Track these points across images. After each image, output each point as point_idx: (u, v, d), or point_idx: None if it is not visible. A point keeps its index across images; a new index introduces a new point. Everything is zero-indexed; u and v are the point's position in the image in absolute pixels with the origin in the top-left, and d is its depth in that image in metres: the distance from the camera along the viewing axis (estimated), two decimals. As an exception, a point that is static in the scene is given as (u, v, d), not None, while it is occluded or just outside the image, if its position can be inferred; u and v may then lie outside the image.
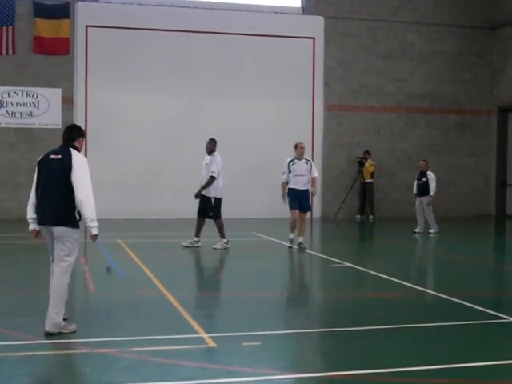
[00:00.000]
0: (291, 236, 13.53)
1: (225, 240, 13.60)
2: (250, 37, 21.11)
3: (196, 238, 13.77)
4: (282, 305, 8.94)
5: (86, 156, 7.31)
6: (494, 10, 23.15)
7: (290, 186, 13.51)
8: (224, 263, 12.76)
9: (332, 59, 21.88)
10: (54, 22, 19.73)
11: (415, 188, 17.61)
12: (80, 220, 7.03)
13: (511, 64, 22.59)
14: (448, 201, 22.58)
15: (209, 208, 13.54)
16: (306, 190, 13.66)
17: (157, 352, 6.24)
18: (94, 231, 6.92)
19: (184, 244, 13.76)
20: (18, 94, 19.70)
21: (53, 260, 7.04)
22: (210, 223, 13.77)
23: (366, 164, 21.50)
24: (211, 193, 13.52)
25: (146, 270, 10.91)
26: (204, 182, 13.59)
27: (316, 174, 13.94)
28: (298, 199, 13.48)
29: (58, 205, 6.86)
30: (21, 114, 19.75)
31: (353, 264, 11.87)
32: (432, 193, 17.20)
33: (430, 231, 17.15)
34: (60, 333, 6.73)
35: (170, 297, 8.76)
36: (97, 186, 7.06)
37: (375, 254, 14.79)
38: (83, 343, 6.60)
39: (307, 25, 21.69)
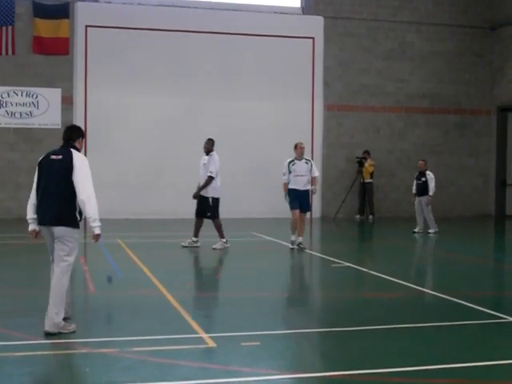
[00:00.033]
0: (293, 238, 13.46)
1: (224, 240, 13.60)
2: (249, 37, 21.12)
3: (195, 239, 13.77)
4: (281, 305, 8.95)
5: (85, 156, 7.32)
6: (494, 10, 23.16)
7: (291, 186, 13.51)
8: (223, 263, 12.76)
9: (332, 59, 21.89)
10: (53, 22, 19.74)
11: (414, 188, 17.63)
12: (81, 220, 7.06)
13: (511, 64, 22.59)
14: (448, 201, 22.59)
15: (207, 208, 13.54)
16: (307, 191, 13.66)
17: (156, 352, 6.25)
18: (97, 231, 6.95)
19: (183, 244, 13.76)
20: (17, 94, 19.71)
21: (53, 260, 7.06)
22: (208, 223, 13.78)
23: (366, 164, 21.51)
24: (209, 193, 13.52)
25: (145, 270, 10.91)
26: (202, 181, 13.60)
27: (317, 173, 13.93)
28: (299, 199, 13.49)
29: (59, 205, 6.87)
30: (20, 114, 19.76)
31: (352, 264, 11.87)
32: (431, 192, 17.21)
33: (430, 231, 17.16)
34: (60, 333, 6.73)
35: (170, 297, 8.76)
36: (97, 186, 7.06)
37: (375, 253, 14.79)
38: (83, 343, 6.60)
39: (307, 25, 21.70)
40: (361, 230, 19.81)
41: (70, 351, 6.44)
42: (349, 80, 22.07)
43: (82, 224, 7.14)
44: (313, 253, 13.53)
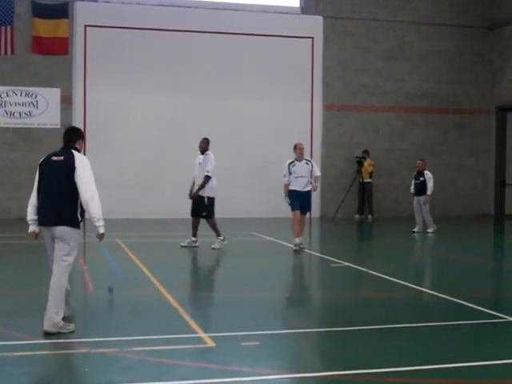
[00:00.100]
0: (297, 240, 13.26)
1: (221, 237, 13.61)
2: (249, 36, 21.12)
3: (194, 238, 13.77)
4: (280, 304, 8.94)
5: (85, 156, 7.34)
6: (494, 10, 23.16)
7: (291, 187, 13.44)
8: (223, 263, 12.76)
9: (331, 59, 21.89)
10: (52, 21, 19.73)
11: (412, 188, 17.64)
12: (81, 221, 7.10)
13: (511, 64, 22.59)
14: (447, 200, 22.60)
15: (202, 207, 13.53)
16: (307, 192, 13.56)
17: (156, 352, 6.25)
18: (101, 230, 7.01)
19: (182, 244, 13.76)
20: (16, 94, 19.71)
21: (51, 261, 7.06)
22: (205, 223, 13.77)
23: (365, 164, 21.51)
24: (205, 192, 13.51)
25: (145, 269, 10.91)
26: (198, 180, 13.60)
27: (318, 173, 13.80)
28: (299, 200, 13.42)
29: (61, 205, 6.90)
30: (20, 113, 19.75)
31: (352, 264, 11.87)
32: (429, 192, 17.21)
33: (428, 231, 17.16)
34: (59, 332, 6.74)
35: (169, 297, 8.76)
36: (96, 186, 7.08)
37: (374, 253, 14.79)
38: (82, 343, 6.60)
39: (306, 24, 21.69)
40: (360, 230, 19.82)
41: (69, 351, 6.44)
42: (348, 80, 22.07)
43: (81, 224, 7.15)
44: (312, 252, 13.53)
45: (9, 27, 19.46)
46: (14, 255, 12.67)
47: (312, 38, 21.64)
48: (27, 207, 7.18)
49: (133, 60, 20.29)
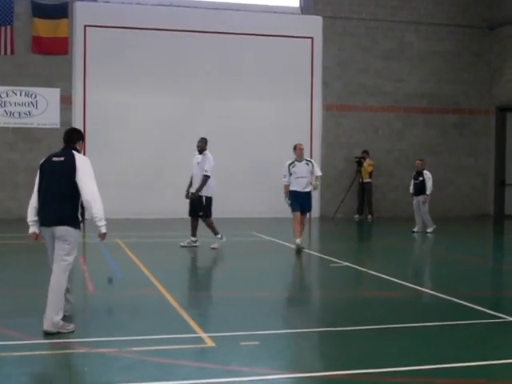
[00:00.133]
0: (298, 241, 13.17)
1: (219, 236, 13.62)
2: (248, 36, 21.12)
3: (193, 238, 13.78)
4: (280, 304, 8.94)
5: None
6: (493, 10, 23.16)
7: (291, 188, 13.38)
8: (223, 263, 12.75)
9: (330, 59, 21.89)
10: (52, 21, 19.73)
11: (412, 188, 17.65)
12: (82, 222, 7.13)
13: (510, 64, 22.60)
14: (447, 200, 22.60)
15: (199, 207, 13.54)
16: (308, 192, 13.49)
17: (155, 352, 6.25)
18: (103, 230, 7.07)
19: (182, 244, 13.77)
20: (16, 94, 19.71)
21: (52, 261, 7.08)
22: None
23: (365, 164, 21.52)
24: (203, 192, 13.53)
25: (144, 269, 10.91)
26: (196, 180, 13.61)
27: (319, 173, 13.70)
28: (299, 201, 13.36)
29: (61, 205, 6.93)
30: (19, 113, 19.75)
31: (351, 264, 11.87)
32: (428, 192, 17.22)
33: (428, 230, 17.17)
34: (58, 332, 6.74)
35: (169, 296, 8.77)
36: (96, 185, 7.11)
37: (374, 253, 14.79)
38: (82, 343, 6.60)
39: (306, 24, 21.70)
40: (360, 230, 19.82)
41: (68, 351, 6.44)
42: (347, 80, 22.08)
43: (81, 224, 7.17)
44: (312, 252, 13.53)
45: (8, 27, 19.46)
46: (14, 255, 12.67)
47: (311, 38, 21.64)
48: (27, 208, 7.20)
49: (133, 60, 20.29)
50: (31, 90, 19.77)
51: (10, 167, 19.76)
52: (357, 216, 21.66)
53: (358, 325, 7.34)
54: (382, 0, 22.34)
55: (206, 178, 13.45)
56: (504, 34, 22.79)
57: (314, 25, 21.67)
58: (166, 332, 7.00)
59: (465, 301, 8.58)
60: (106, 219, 7.17)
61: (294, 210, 13.40)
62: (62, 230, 6.91)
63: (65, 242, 6.93)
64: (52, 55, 19.84)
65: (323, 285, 10.76)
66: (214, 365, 5.93)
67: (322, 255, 13.21)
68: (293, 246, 13.50)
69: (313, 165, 13.60)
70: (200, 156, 13.71)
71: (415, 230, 17.32)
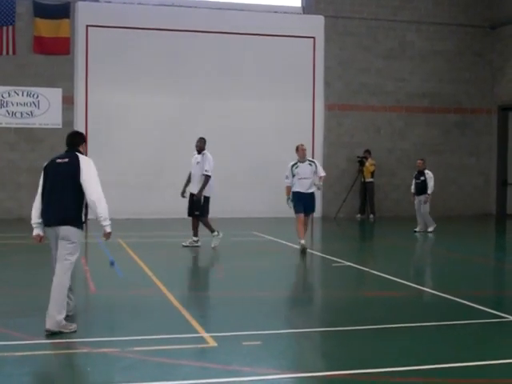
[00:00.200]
0: (302, 241, 13.02)
1: (215, 233, 13.62)
2: (249, 36, 21.12)
3: (195, 238, 13.78)
4: (282, 304, 8.93)
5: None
6: (494, 9, 23.15)
7: (295, 189, 13.23)
8: (224, 263, 12.74)
9: (332, 58, 21.88)
10: (54, 21, 19.74)
11: (413, 187, 17.64)
12: (85, 222, 7.20)
13: (511, 63, 22.57)
14: (449, 200, 22.59)
15: (197, 206, 13.55)
16: (311, 193, 13.34)
17: (157, 351, 6.25)
18: (108, 229, 7.15)
19: (183, 244, 13.77)
20: (18, 94, 19.71)
21: (55, 260, 7.11)
22: (211, 223, 13.78)
23: (367, 163, 21.51)
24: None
25: (146, 269, 10.91)
26: (195, 180, 13.62)
27: (323, 173, 13.55)
28: (302, 202, 13.21)
29: (65, 205, 7.00)
30: (21, 113, 19.76)
31: (353, 263, 11.87)
32: (430, 191, 17.21)
33: (428, 230, 17.15)
34: (60, 332, 6.74)
35: (171, 296, 8.76)
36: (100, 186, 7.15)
37: (376, 253, 14.78)
38: (84, 343, 6.60)
39: (307, 24, 21.69)
40: (361, 230, 19.81)
41: (70, 351, 6.44)
42: (349, 79, 22.07)
43: (83, 225, 7.20)
44: (314, 252, 13.51)
45: (10, 27, 19.47)
46: (14, 255, 12.67)
47: (313, 37, 21.64)
48: (28, 208, 7.25)
49: (134, 60, 20.29)
50: (33, 90, 19.77)
51: (10, 167, 19.76)
52: (359, 216, 21.65)
53: (360, 325, 7.33)
54: (384, 0, 22.33)
55: (207, 178, 13.46)
56: (505, 33, 22.76)
57: (316, 24, 21.66)
58: (167, 332, 7.00)
59: (466, 300, 8.57)
60: (107, 219, 7.19)
61: (297, 212, 13.22)
62: (65, 230, 6.97)
63: (68, 242, 6.99)
64: (54, 55, 19.84)
65: (325, 284, 10.75)
66: (215, 365, 5.93)
67: (323, 255, 13.20)
68: (294, 246, 13.50)
69: (316, 165, 13.47)
70: (199, 156, 13.71)
71: (417, 229, 17.30)
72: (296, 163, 13.37)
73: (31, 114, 19.79)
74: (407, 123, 22.67)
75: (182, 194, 14.00)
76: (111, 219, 7.18)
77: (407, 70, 22.58)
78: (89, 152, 18.18)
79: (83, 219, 7.14)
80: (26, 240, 11.54)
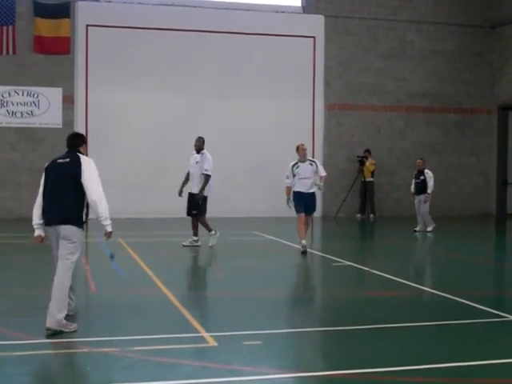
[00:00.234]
0: (303, 242, 12.94)
1: (213, 232, 13.65)
2: (250, 36, 21.11)
3: (195, 238, 13.78)
4: (282, 304, 8.93)
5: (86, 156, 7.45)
6: (494, 9, 23.14)
7: (295, 189, 13.13)
8: (224, 262, 12.73)
9: (332, 58, 21.88)
10: (54, 21, 19.74)
11: (413, 187, 17.64)
12: (85, 222, 7.22)
13: (511, 63, 22.57)
14: (449, 200, 22.59)
15: (195, 205, 13.56)
16: (312, 193, 13.26)
17: (157, 351, 6.25)
18: (109, 228, 7.18)
19: (184, 244, 13.78)
20: (18, 94, 19.71)
21: (56, 259, 7.12)
22: (209, 222, 13.77)
23: (367, 163, 21.51)
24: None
25: (146, 269, 10.91)
26: (194, 179, 13.64)
27: (324, 173, 13.48)
28: (303, 202, 13.12)
29: (67, 205, 7.02)
30: (21, 113, 19.76)
31: (353, 263, 11.87)
32: (429, 190, 17.21)
33: (428, 229, 17.16)
34: (61, 332, 6.73)
35: (171, 296, 8.76)
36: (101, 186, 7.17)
37: (376, 252, 14.78)
38: (84, 342, 6.60)
39: (307, 24, 21.69)
40: (362, 229, 19.81)
41: (70, 350, 6.44)
42: (349, 79, 22.07)
43: (84, 225, 7.21)
44: (314, 252, 13.51)
45: (10, 27, 19.47)
46: (15, 255, 12.66)
47: (313, 37, 21.63)
48: (28, 207, 7.26)
49: (134, 60, 20.30)
50: (33, 89, 19.77)
51: (10, 167, 19.75)
52: (359, 215, 21.65)
53: (360, 324, 7.33)
54: (384, -1, 22.37)
55: (207, 178, 13.47)
56: (505, 33, 22.76)
57: (316, 24, 21.65)
58: (167, 331, 7.00)
59: (467, 300, 8.57)
60: (108, 218, 7.20)
61: (298, 211, 13.13)
62: (66, 230, 6.98)
63: (69, 242, 7.01)
64: (54, 55, 19.84)
65: (325, 284, 10.75)
66: (215, 364, 5.93)
67: (324, 254, 13.20)
68: (295, 245, 13.49)
69: (317, 165, 13.38)
70: (198, 155, 13.72)
71: (417, 229, 17.30)
72: (297, 163, 13.28)
73: (31, 113, 19.79)
74: (407, 123, 22.66)
75: (180, 193, 14.01)
76: (112, 219, 7.19)
77: (407, 69, 22.58)
78: (89, 152, 18.10)
79: (84, 219, 7.16)
80: (27, 240, 11.54)
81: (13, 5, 19.50)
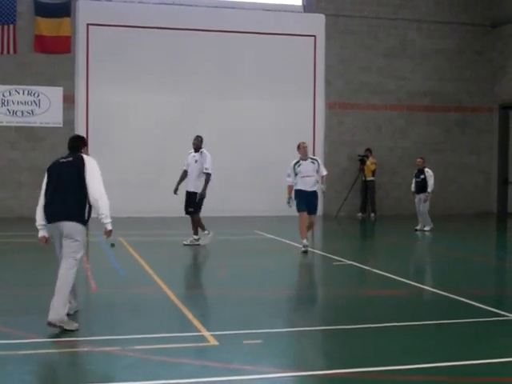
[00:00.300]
0: (304, 241, 12.89)
1: (206, 231, 13.67)
2: (250, 35, 21.11)
3: (196, 237, 13.79)
4: (283, 303, 8.92)
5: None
6: (495, 8, 23.14)
7: (297, 187, 13.02)
8: (225, 261, 12.72)
9: (333, 57, 21.87)
10: (55, 20, 19.74)
11: (413, 186, 17.64)
12: (88, 220, 7.22)
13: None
14: (449, 198, 22.59)
15: (192, 203, 13.56)
16: (314, 192, 13.17)
17: (158, 350, 6.25)
18: (109, 227, 7.20)
19: (184, 242, 13.78)
20: (19, 93, 19.72)
21: (60, 257, 7.14)
22: (210, 221, 13.78)
23: (368, 162, 21.51)
24: (199, 188, 13.56)
25: (147, 267, 10.92)
26: (193, 178, 13.64)
27: (325, 172, 13.44)
28: (305, 201, 13.02)
29: (70, 201, 7.06)
30: (22, 112, 19.77)
31: (354, 262, 11.87)
32: (430, 189, 17.21)
33: (425, 229, 17.14)
34: (63, 329, 6.73)
35: (172, 295, 8.77)
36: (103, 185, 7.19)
37: (377, 251, 14.79)
38: (85, 341, 6.60)
39: (308, 23, 21.68)
40: (362, 228, 19.82)
41: (72, 349, 6.44)
42: (350, 78, 22.06)
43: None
44: (315, 251, 13.51)
45: (11, 26, 19.48)
46: (16, 254, 12.66)
47: (314, 36, 21.63)
48: (29, 207, 7.31)
49: (135, 58, 20.30)
50: (34, 88, 19.78)
51: (11, 166, 19.76)
52: (360, 214, 21.65)
53: (361, 323, 7.34)
54: (384, -2, 22.36)
55: (208, 176, 13.48)
56: (506, 32, 22.75)
57: (317, 23, 21.65)
58: (168, 330, 7.00)
59: (467, 299, 8.57)
60: (108, 217, 7.21)
61: (300, 210, 13.03)
62: (69, 227, 7.02)
63: (72, 241, 7.05)
64: (54, 54, 19.85)
65: (326, 283, 10.75)
66: (216, 363, 5.93)
67: (324, 253, 13.20)
68: (295, 244, 13.49)
69: (318, 163, 13.32)
70: (197, 154, 13.74)
71: (418, 228, 17.30)
72: (298, 161, 13.17)
73: (32, 112, 19.79)
74: (408, 122, 22.66)
75: (175, 191, 14.00)
76: (112, 218, 7.20)
77: (408, 68, 22.57)
78: (90, 151, 18.25)
79: (86, 216, 7.17)
80: (27, 239, 11.55)
81: (13, 4, 19.51)
